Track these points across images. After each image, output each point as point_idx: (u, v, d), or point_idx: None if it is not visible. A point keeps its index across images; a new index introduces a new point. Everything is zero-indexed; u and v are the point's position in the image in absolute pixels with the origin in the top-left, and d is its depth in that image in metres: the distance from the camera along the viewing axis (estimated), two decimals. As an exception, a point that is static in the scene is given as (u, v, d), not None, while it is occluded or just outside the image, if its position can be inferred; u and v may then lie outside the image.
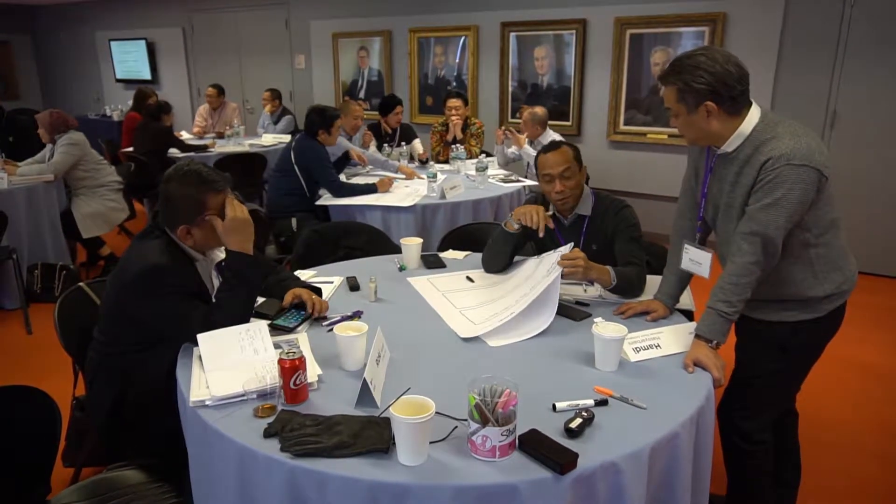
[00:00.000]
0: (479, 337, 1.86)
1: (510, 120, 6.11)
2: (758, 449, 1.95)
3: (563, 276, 2.00)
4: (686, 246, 1.97)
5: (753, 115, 1.72)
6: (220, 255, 2.04)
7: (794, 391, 2.01)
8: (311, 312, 1.99)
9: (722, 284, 1.74)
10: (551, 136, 4.78)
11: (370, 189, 3.91)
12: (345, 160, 4.42)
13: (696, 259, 1.94)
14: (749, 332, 1.92)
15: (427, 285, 2.30)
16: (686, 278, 2.06)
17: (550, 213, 2.38)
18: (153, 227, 1.93)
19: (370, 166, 4.62)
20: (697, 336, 1.74)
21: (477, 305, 2.10)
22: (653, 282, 2.19)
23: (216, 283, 2.01)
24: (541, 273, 2.07)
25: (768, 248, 1.68)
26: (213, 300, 1.89)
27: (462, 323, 1.97)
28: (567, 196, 2.30)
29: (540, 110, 4.73)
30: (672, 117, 1.79)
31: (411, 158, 5.02)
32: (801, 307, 1.81)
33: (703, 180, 1.92)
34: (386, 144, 5.19)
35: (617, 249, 2.26)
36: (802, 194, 1.64)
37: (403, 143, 5.07)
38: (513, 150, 4.77)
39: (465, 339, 1.86)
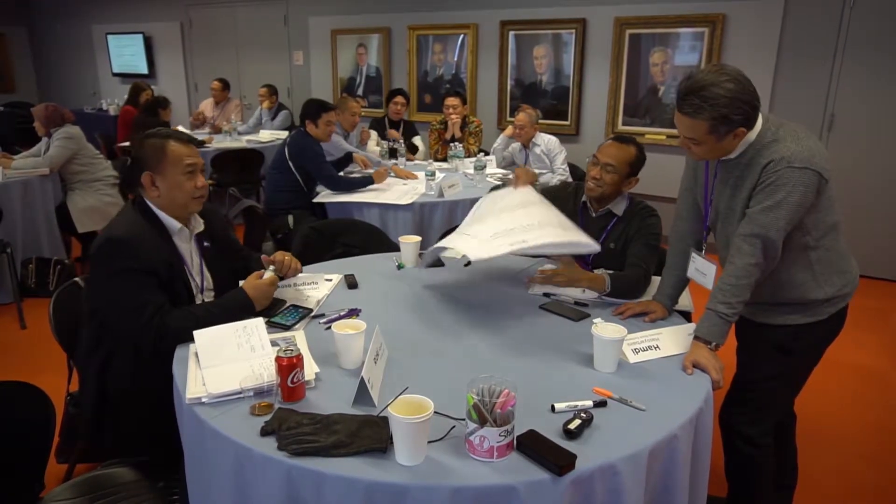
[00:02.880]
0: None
1: (508, 119, 6.10)
2: (760, 452, 1.95)
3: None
4: (693, 255, 1.96)
5: (758, 121, 1.71)
6: (200, 227, 2.04)
7: (795, 394, 2.01)
8: (282, 273, 2.05)
9: (721, 286, 1.74)
10: (543, 136, 4.77)
11: (367, 181, 3.89)
12: (346, 161, 4.41)
13: (701, 269, 1.93)
14: (751, 336, 1.91)
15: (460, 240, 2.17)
16: (685, 280, 2.05)
17: (583, 199, 2.40)
18: (131, 200, 1.96)
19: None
20: (696, 338, 1.74)
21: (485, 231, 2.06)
22: (654, 283, 2.18)
23: (196, 257, 2.02)
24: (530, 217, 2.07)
25: (768, 250, 1.68)
26: (197, 303, 1.89)
27: (469, 242, 1.95)
28: (598, 185, 2.31)
29: (533, 111, 4.74)
30: (692, 146, 1.73)
31: (412, 149, 5.01)
32: (803, 311, 1.81)
33: (704, 186, 1.91)
34: (388, 141, 5.18)
35: (629, 250, 2.26)
36: (803, 196, 1.64)
37: (402, 140, 5.06)
38: (510, 149, 4.77)
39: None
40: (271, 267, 2.02)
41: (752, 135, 1.70)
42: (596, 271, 2.31)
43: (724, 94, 1.60)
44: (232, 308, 1.86)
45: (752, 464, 1.97)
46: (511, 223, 2.03)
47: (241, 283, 1.96)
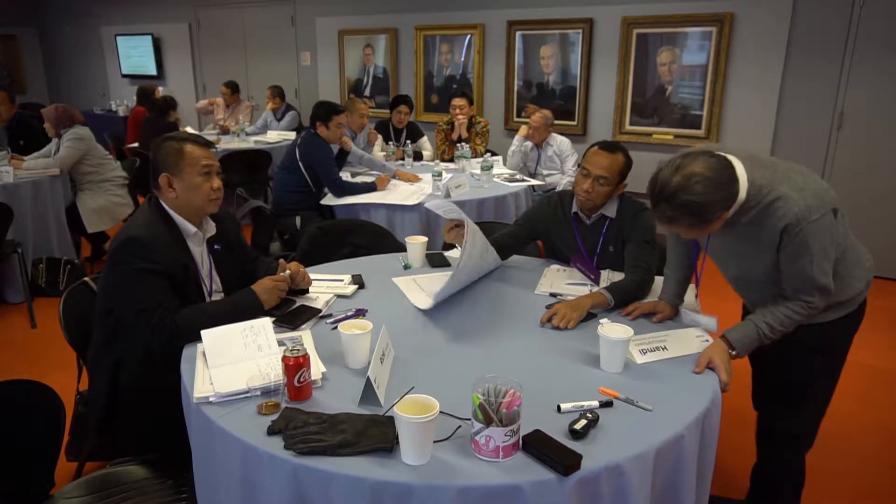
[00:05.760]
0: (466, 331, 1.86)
1: (515, 119, 6.10)
2: (797, 457, 1.97)
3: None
4: (690, 315, 1.96)
5: (741, 179, 1.62)
6: (212, 230, 2.06)
7: (833, 388, 1.98)
8: (295, 284, 2.05)
9: (774, 311, 1.73)
10: (556, 137, 4.77)
11: (370, 188, 3.91)
12: (343, 156, 4.41)
13: (701, 323, 1.93)
14: (784, 340, 1.82)
15: (411, 284, 2.30)
16: (688, 276, 2.05)
17: (575, 209, 2.38)
18: (147, 202, 1.99)
19: (366, 168, 4.59)
20: (723, 337, 1.75)
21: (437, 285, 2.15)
22: (660, 284, 2.18)
23: (206, 260, 2.04)
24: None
25: (824, 293, 1.69)
26: (205, 301, 1.92)
27: (420, 297, 2.06)
28: (590, 198, 2.28)
29: (549, 113, 4.74)
30: (680, 233, 1.71)
31: (417, 157, 5.01)
32: (833, 308, 1.80)
33: (694, 247, 1.92)
34: (392, 143, 5.19)
35: (626, 252, 2.25)
36: (832, 237, 1.65)
37: (409, 142, 5.06)
38: (522, 148, 4.76)
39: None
40: (287, 271, 2.03)
41: (741, 195, 1.62)
42: (602, 272, 2.31)
43: (696, 199, 1.54)
44: (241, 307, 1.88)
45: (788, 467, 1.98)
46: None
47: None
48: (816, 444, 2.02)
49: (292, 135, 6.14)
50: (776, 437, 1.96)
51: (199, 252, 2.02)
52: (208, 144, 2.03)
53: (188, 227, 1.97)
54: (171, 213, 1.96)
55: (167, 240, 1.89)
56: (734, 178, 1.59)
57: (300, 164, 3.93)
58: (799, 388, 1.90)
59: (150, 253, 1.81)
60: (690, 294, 2.12)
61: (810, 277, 1.65)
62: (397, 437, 1.28)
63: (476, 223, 3.20)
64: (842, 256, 1.75)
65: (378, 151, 5.03)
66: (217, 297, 2.06)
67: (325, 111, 3.96)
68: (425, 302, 2.02)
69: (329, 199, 3.85)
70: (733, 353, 1.71)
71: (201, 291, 1.99)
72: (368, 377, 1.45)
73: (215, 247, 2.09)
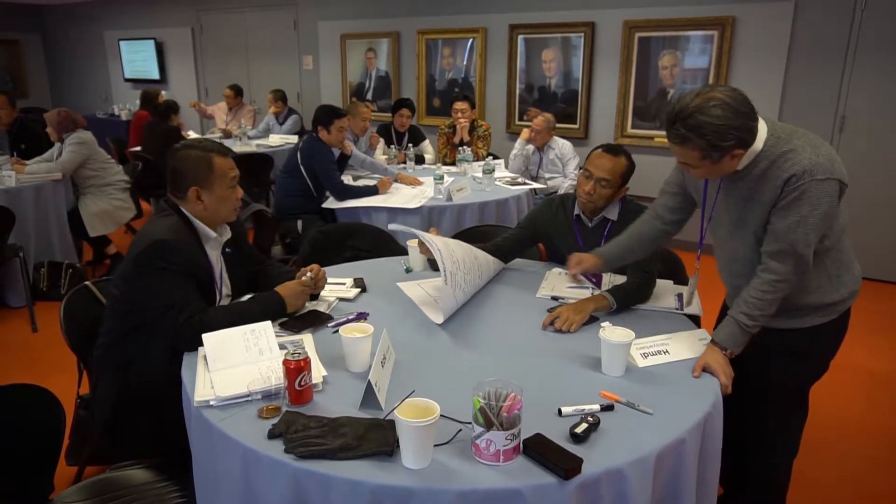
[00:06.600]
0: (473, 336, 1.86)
1: (517, 123, 6.10)
2: (784, 463, 1.95)
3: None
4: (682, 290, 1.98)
5: (762, 131, 1.64)
6: (228, 234, 2.09)
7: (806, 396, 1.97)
8: (315, 283, 2.05)
9: (746, 297, 1.72)
10: (557, 141, 4.78)
11: (372, 191, 3.92)
12: (344, 160, 4.42)
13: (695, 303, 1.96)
14: (767, 343, 1.83)
15: (417, 290, 2.29)
16: (631, 248, 2.06)
17: (577, 212, 2.38)
18: (165, 205, 1.99)
19: (367, 171, 4.60)
20: (713, 341, 1.74)
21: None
22: (662, 286, 2.18)
23: (219, 263, 2.06)
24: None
25: (799, 265, 1.66)
26: (231, 301, 1.95)
27: (433, 311, 2.03)
28: (591, 200, 2.29)
29: (551, 116, 4.74)
30: (689, 169, 1.68)
31: (419, 160, 5.02)
32: (816, 312, 1.79)
33: (703, 199, 1.88)
34: (394, 146, 5.20)
35: None
36: (829, 207, 1.61)
37: (411, 146, 5.07)
38: (524, 151, 4.76)
39: (441, 326, 1.93)
40: (308, 273, 2.04)
41: (758, 145, 1.63)
42: (604, 275, 2.30)
43: (712, 121, 1.52)
44: (267, 309, 1.90)
45: (774, 475, 1.97)
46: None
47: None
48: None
49: (294, 138, 6.15)
50: (764, 449, 1.95)
51: (215, 255, 2.05)
52: (229, 152, 2.03)
53: (208, 231, 1.99)
54: (192, 218, 1.97)
55: (192, 244, 1.92)
56: (754, 115, 1.57)
57: (302, 167, 3.94)
58: (781, 393, 1.88)
59: (178, 255, 1.84)
60: (695, 302, 2.12)
61: (792, 241, 1.62)
62: (398, 441, 1.28)
63: (477, 227, 3.24)
64: (837, 255, 1.74)
65: (380, 155, 5.04)
66: (227, 301, 2.09)
67: (326, 115, 3.97)
68: (437, 317, 1.99)
69: (331, 202, 3.86)
70: (727, 351, 1.70)
71: (214, 294, 2.01)
72: (369, 381, 1.45)
73: (226, 250, 2.11)
